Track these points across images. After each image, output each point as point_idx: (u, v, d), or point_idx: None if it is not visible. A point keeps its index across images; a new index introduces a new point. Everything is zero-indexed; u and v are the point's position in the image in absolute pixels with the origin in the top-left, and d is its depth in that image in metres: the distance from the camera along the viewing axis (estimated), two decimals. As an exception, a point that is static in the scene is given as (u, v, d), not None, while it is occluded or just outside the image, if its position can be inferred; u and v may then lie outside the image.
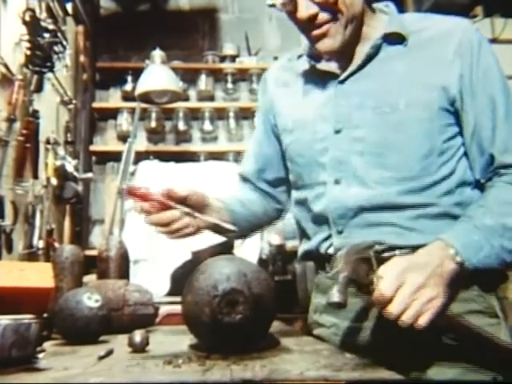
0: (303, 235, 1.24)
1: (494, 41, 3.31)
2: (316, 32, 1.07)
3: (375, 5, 1.16)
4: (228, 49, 3.82)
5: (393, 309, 0.84)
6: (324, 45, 1.08)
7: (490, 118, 1.05)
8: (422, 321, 0.85)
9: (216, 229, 1.15)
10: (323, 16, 1.05)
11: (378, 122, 1.08)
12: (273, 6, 1.08)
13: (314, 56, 1.18)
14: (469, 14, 3.34)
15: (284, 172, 1.32)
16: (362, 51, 1.12)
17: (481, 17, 3.35)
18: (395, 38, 1.10)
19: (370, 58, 1.11)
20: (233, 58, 3.80)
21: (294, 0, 1.05)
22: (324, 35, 1.07)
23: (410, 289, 0.85)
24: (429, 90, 1.06)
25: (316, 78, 1.18)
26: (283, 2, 1.06)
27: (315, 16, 1.04)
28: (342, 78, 1.13)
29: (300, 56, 1.24)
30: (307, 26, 1.07)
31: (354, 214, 1.09)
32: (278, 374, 0.74)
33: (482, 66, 1.06)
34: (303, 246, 1.23)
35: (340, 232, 1.11)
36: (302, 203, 1.21)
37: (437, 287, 0.88)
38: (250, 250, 2.64)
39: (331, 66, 1.16)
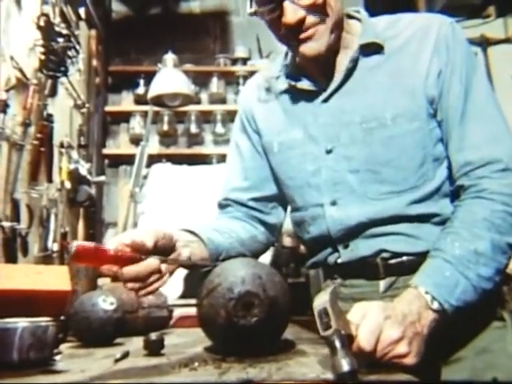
0: (307, 248, 1.23)
1: (506, 41, 3.29)
2: (302, 35, 1.03)
3: (346, 10, 1.13)
4: (239, 51, 3.83)
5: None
6: (309, 48, 1.04)
7: (453, 116, 1.04)
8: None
9: (192, 266, 1.04)
10: (311, 19, 1.02)
11: (366, 138, 1.06)
12: (254, 14, 1.06)
13: (293, 75, 1.16)
14: (481, 15, 3.33)
15: (279, 188, 1.24)
16: (341, 64, 1.10)
17: (493, 17, 3.34)
18: (372, 48, 1.09)
19: (350, 73, 1.09)
20: (244, 61, 3.81)
21: (281, 5, 1.01)
22: (309, 38, 1.03)
23: (383, 344, 0.80)
24: (415, 98, 1.05)
25: (296, 97, 1.16)
26: (269, 8, 1.02)
27: (303, 20, 1.01)
28: (324, 96, 1.11)
29: (277, 77, 1.20)
30: (292, 31, 1.03)
31: (357, 232, 1.08)
32: (294, 377, 0.74)
33: (455, 61, 1.04)
34: (310, 260, 1.21)
35: (346, 246, 1.10)
36: (299, 224, 1.20)
37: (411, 345, 0.82)
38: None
39: (311, 85, 1.13)
